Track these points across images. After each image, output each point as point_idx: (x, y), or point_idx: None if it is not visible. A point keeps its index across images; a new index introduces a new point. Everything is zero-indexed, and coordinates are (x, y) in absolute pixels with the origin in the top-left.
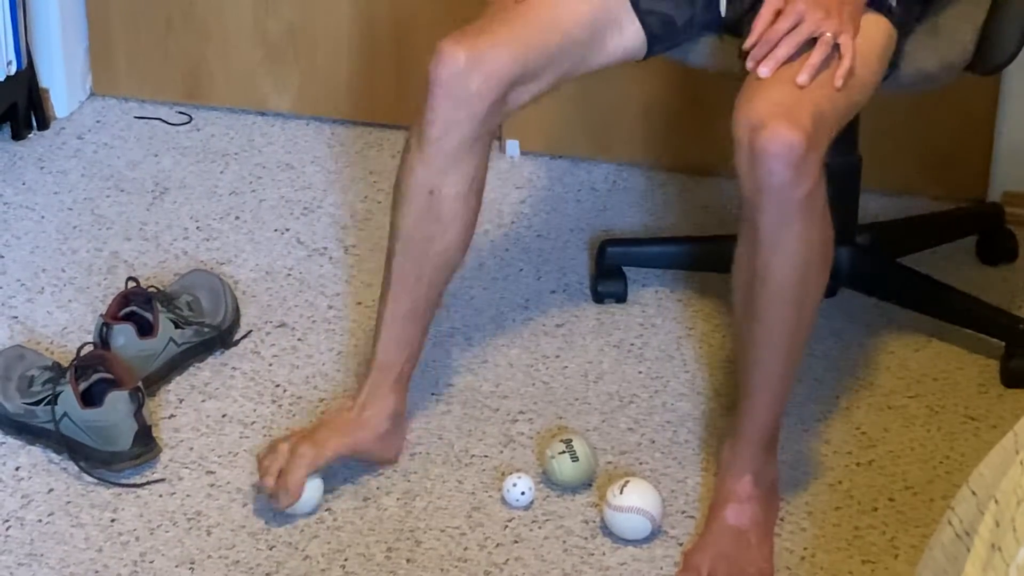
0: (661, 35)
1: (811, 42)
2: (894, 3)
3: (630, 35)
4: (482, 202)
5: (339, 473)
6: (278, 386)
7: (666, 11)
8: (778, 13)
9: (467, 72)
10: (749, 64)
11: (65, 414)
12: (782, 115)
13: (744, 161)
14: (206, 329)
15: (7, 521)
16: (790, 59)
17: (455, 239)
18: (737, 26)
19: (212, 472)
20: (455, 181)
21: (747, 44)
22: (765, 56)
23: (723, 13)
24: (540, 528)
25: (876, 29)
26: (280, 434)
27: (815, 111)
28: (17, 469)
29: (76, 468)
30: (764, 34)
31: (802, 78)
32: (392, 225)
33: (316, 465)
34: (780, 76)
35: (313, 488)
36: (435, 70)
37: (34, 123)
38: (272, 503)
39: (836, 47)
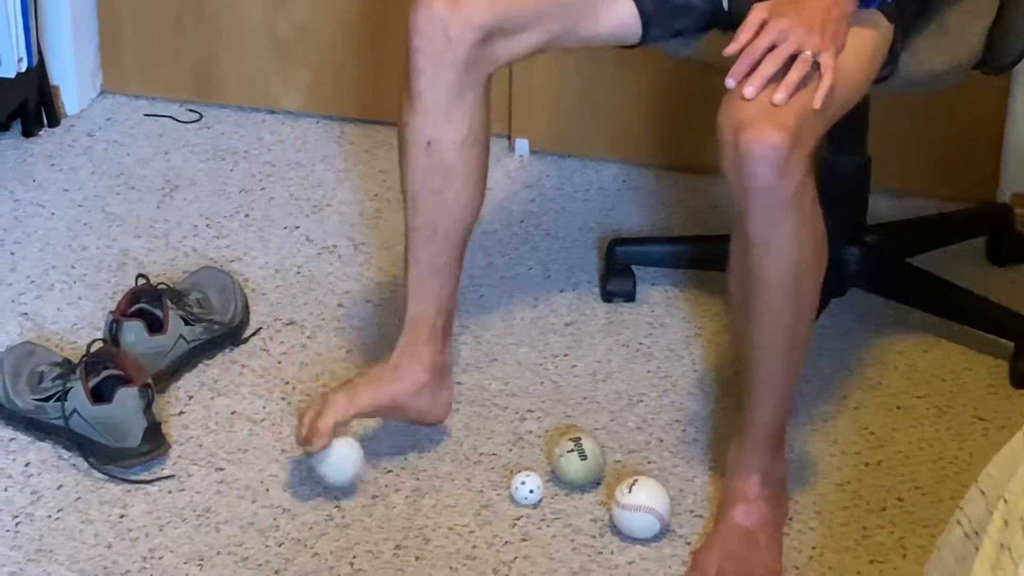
0: (654, 15)
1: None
2: None
3: (623, 10)
4: (488, 156)
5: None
6: (287, 383)
7: None
8: (763, 24)
9: (444, 18)
10: (729, 81)
11: (75, 410)
12: (765, 116)
13: (729, 162)
14: (216, 326)
15: (17, 517)
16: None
17: (462, 189)
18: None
19: (221, 469)
20: (451, 130)
21: (728, 51)
22: (747, 73)
23: (726, 7)
24: (548, 526)
25: (869, 24)
26: (290, 432)
27: (800, 110)
28: (27, 465)
29: (86, 464)
30: (746, 48)
31: (778, 97)
32: (401, 184)
33: (348, 412)
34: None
35: (349, 449)
36: (413, 19)
37: (45, 120)
38: (306, 448)
39: (816, 65)
